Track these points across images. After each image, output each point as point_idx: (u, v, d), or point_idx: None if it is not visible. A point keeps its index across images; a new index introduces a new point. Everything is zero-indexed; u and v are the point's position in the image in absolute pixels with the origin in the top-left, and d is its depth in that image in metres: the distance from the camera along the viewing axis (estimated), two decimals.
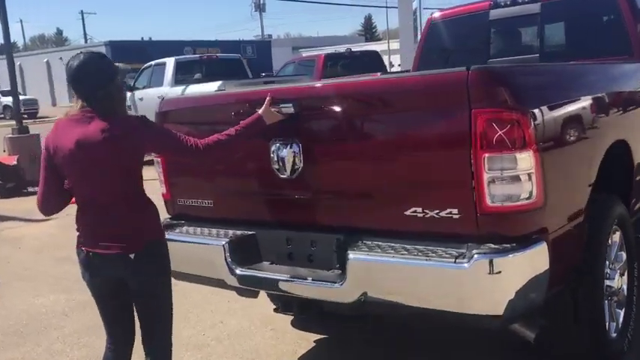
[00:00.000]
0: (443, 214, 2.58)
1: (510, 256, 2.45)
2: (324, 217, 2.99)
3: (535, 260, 2.52)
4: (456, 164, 2.53)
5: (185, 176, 3.46)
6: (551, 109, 2.68)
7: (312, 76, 13.12)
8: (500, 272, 2.43)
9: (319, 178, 2.94)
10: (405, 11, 15.36)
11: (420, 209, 2.64)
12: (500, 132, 2.42)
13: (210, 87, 10.58)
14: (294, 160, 2.94)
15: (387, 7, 42.82)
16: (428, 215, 2.62)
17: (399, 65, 19.09)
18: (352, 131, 2.84)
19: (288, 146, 2.96)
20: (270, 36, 60.29)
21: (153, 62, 13.35)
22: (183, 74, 12.73)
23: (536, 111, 2.54)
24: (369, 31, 68.85)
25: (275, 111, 2.92)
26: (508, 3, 5.17)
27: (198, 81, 12.28)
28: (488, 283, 2.45)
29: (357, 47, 21.75)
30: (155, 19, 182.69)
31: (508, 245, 2.47)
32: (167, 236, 3.43)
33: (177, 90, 11.65)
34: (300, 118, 2.92)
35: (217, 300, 4.75)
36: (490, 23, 5.29)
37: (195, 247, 3.32)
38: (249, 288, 3.15)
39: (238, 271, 3.10)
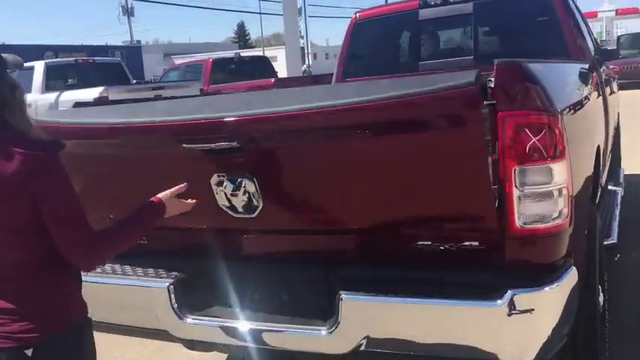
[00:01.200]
0: (460, 244, 2.13)
1: (548, 288, 2.04)
2: (297, 255, 2.42)
3: (568, 290, 2.14)
4: (474, 180, 2.07)
5: (108, 207, 2.71)
6: (568, 111, 2.32)
7: (200, 81, 12.35)
8: (536, 308, 2.02)
9: (288, 214, 2.34)
10: (290, 13, 15.02)
11: (429, 242, 2.17)
12: (533, 139, 2.00)
13: (89, 94, 9.51)
14: (248, 197, 2.29)
15: (260, 12, 42.46)
16: (440, 248, 2.16)
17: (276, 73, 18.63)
18: (326, 161, 2.21)
19: (237, 181, 2.27)
20: (139, 42, 57.65)
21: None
22: (55, 80, 11.43)
23: (563, 114, 2.17)
24: (242, 38, 68.01)
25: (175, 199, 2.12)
26: (438, 2, 4.88)
27: (73, 87, 11.10)
28: (524, 322, 2.03)
29: (245, 53, 21.00)
30: (5, 21, 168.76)
31: (543, 275, 2.07)
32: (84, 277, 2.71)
33: (49, 97, 10.43)
34: (247, 150, 2.22)
35: (123, 346, 3.95)
36: (420, 23, 4.98)
37: (126, 291, 2.62)
38: (205, 340, 2.50)
39: (190, 320, 2.45)
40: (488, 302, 2.02)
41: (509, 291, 2.00)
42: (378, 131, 2.08)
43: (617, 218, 4.05)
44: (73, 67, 12.35)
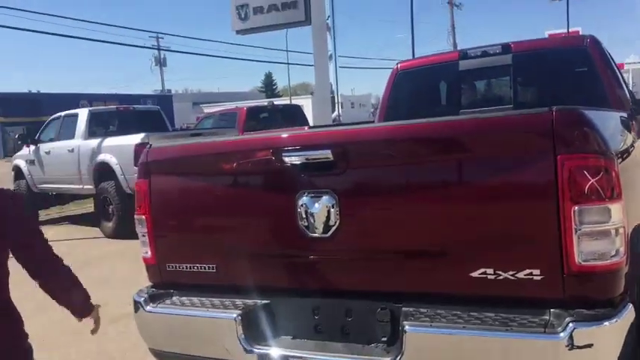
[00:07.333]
0: (521, 275, 2.24)
1: (608, 323, 2.13)
2: (363, 282, 2.55)
3: (626, 325, 2.22)
4: (539, 217, 2.21)
5: (180, 236, 2.90)
6: (619, 155, 2.45)
7: (235, 128, 12.68)
8: (595, 343, 2.11)
9: (361, 235, 2.51)
10: (321, 62, 15.31)
11: (491, 270, 2.28)
12: (592, 180, 2.14)
13: (131, 140, 9.84)
14: (328, 215, 2.50)
15: (288, 63, 43.41)
16: (500, 277, 2.27)
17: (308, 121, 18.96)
18: (408, 180, 2.45)
19: (321, 199, 2.52)
20: (169, 91, 59.25)
21: (62, 114, 12.36)
22: (97, 126, 11.84)
23: (616, 157, 2.30)
24: (269, 88, 69.36)
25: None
26: (478, 54, 5.08)
27: (114, 133, 11.47)
28: (583, 357, 2.11)
29: (278, 101, 21.48)
30: (40, 70, 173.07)
31: (602, 310, 2.16)
32: (151, 309, 2.88)
33: (92, 143, 10.78)
34: (338, 166, 2.49)
35: None
36: (460, 74, 5.17)
37: (194, 322, 2.75)
38: None
39: (257, 350, 2.57)
40: (550, 335, 2.11)
41: (570, 325, 2.10)
42: (460, 152, 2.38)
43: None
44: (115, 114, 12.78)
